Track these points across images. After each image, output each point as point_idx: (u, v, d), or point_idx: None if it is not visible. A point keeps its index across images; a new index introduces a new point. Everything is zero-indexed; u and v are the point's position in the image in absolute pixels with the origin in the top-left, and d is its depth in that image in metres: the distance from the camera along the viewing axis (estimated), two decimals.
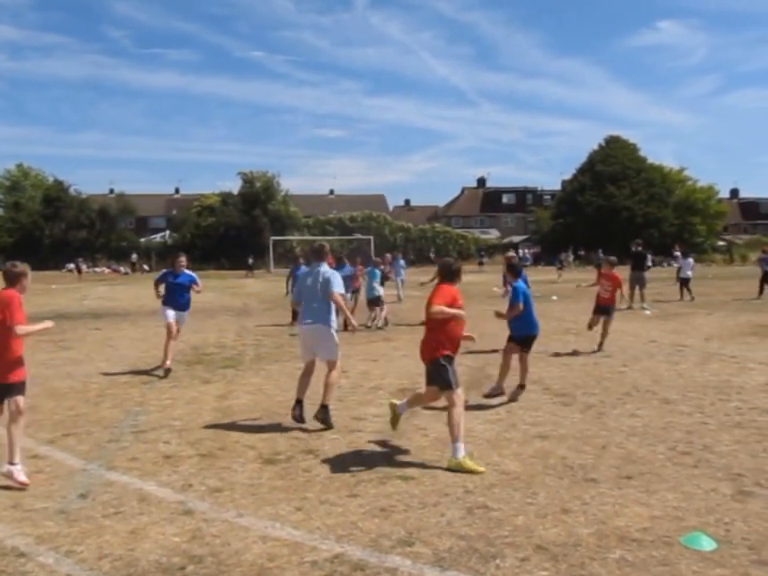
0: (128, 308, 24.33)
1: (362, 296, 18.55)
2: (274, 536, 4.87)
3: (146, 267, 56.54)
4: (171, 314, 11.28)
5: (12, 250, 56.56)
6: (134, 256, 57.45)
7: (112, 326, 18.50)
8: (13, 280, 6.09)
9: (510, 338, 9.32)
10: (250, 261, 49.07)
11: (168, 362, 10.99)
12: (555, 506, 5.40)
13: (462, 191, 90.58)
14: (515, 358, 9.17)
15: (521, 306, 9.09)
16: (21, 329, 5.89)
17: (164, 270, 11.90)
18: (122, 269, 54.53)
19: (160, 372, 11.04)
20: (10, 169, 73.82)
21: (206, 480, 6.04)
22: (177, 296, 11.31)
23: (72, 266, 55.01)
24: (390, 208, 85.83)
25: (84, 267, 53.47)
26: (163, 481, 6.05)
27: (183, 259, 11.53)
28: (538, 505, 5.44)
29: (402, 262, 25.40)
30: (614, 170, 64.67)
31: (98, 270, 56.85)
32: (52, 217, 61.09)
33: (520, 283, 9.37)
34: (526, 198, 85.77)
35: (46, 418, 8.34)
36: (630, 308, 20.43)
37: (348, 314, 8.27)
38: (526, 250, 63.21)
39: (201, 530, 4.97)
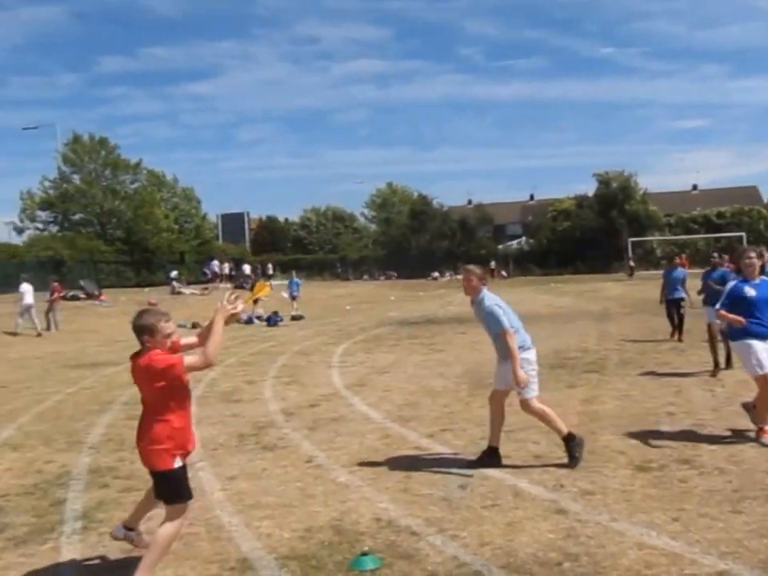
0: None
1: None
2: (650, 544, 4.75)
3: (503, 274, 58.32)
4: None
5: (384, 260, 62.35)
6: (493, 263, 59.59)
7: (476, 330, 19.36)
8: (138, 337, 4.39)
9: None
10: (631, 263, 48.24)
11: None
12: None
13: None
14: None
15: None
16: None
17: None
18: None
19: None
20: (380, 188, 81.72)
21: (576, 482, 6.10)
22: None
23: (436, 274, 58.91)
24: (765, 200, 77.76)
25: (447, 276, 57.02)
26: (535, 479, 6.23)
27: None
28: None
29: None
30: None
31: (458, 277, 60.02)
32: (418, 229, 65.85)
33: None
34: None
35: (424, 414, 9.07)
36: None
37: None
38: None
39: (575, 530, 5.04)
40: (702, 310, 12.14)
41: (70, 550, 5.05)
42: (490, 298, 6.68)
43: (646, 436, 7.48)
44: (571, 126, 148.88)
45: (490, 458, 6.71)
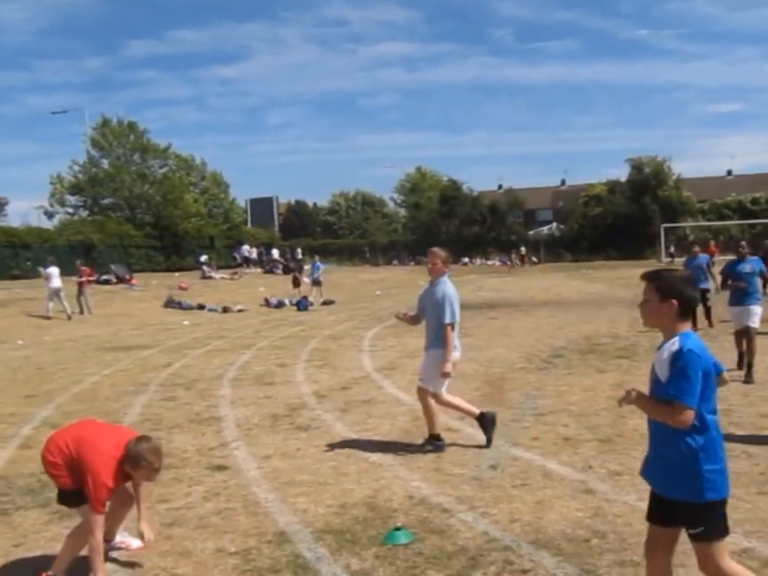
0: (519, 299, 25.35)
1: None
2: None
3: (534, 259, 58.07)
4: None
5: (414, 246, 62.32)
6: (523, 249, 59.28)
7: (506, 316, 19.48)
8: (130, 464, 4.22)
9: None
10: (672, 249, 47.64)
11: None
12: None
13: None
14: None
15: None
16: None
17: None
18: (507, 262, 56.51)
19: None
20: (409, 172, 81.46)
21: (605, 463, 6.19)
22: None
23: (466, 259, 58.80)
24: None
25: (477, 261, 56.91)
26: (564, 460, 6.33)
27: None
28: None
29: None
30: None
31: (489, 262, 59.82)
32: (448, 214, 65.69)
33: None
34: None
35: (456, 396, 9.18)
36: None
37: None
38: None
39: (602, 509, 5.14)
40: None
41: None
42: (450, 286, 6.83)
43: None
44: (604, 110, 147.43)
45: (431, 443, 6.83)
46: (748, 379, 9.35)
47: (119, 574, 4.45)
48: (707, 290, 14.39)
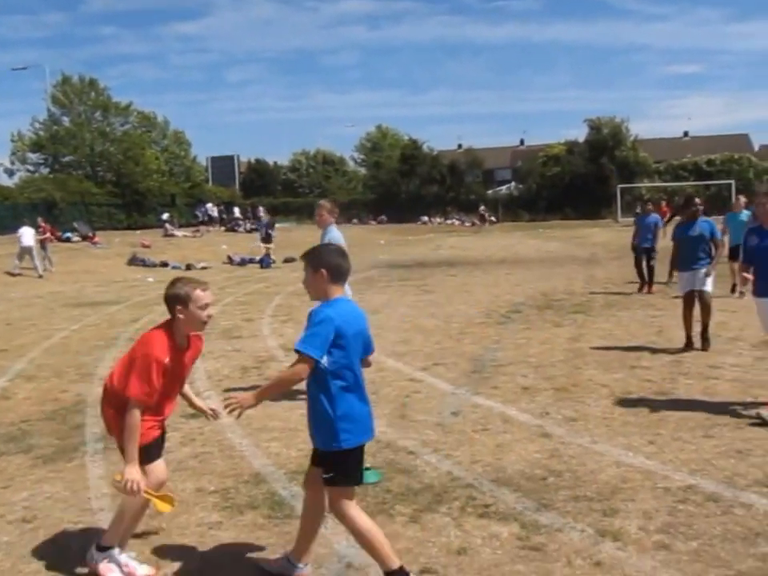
0: (478, 257, 25.75)
1: None
2: (627, 462, 5.23)
3: (493, 218, 58.53)
4: None
5: (374, 205, 62.34)
6: (482, 208, 59.64)
7: (465, 273, 19.85)
8: (169, 307, 3.82)
9: None
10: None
11: None
12: None
13: None
14: None
15: None
16: (131, 413, 3.65)
17: None
18: (466, 223, 56.86)
19: None
20: (370, 131, 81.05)
21: (561, 410, 6.56)
22: None
23: (426, 218, 59.04)
24: (756, 148, 77.80)
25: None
26: (523, 407, 6.69)
27: None
28: None
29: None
30: None
31: (448, 221, 60.10)
32: (407, 173, 65.60)
33: None
34: None
35: (417, 350, 9.51)
36: None
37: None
38: None
39: (558, 451, 5.51)
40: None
41: (96, 467, 5.48)
42: (336, 232, 7.19)
43: (627, 371, 7.96)
44: (564, 70, 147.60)
45: None
46: (705, 345, 8.90)
47: (105, 513, 4.67)
48: (652, 250, 14.57)
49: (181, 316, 3.75)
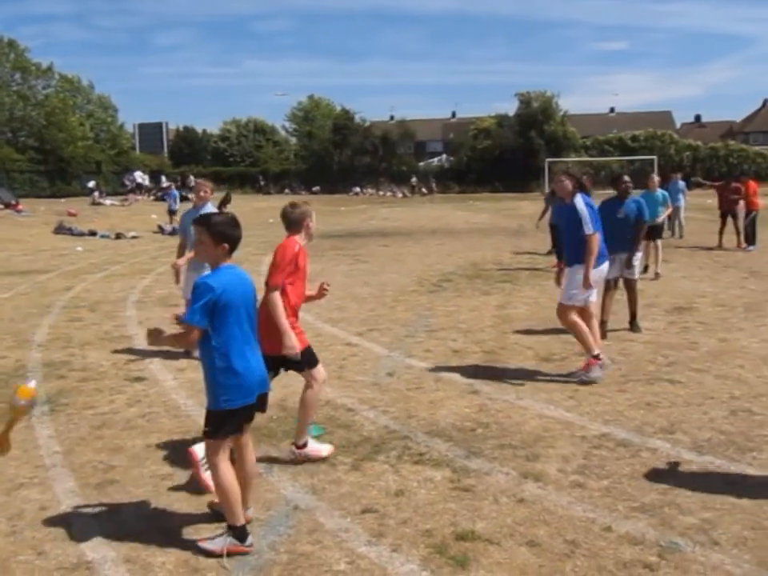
0: (410, 228, 26.15)
1: None
2: (549, 415, 5.71)
3: (424, 190, 59.08)
4: None
5: (306, 176, 62.13)
6: (414, 179, 60.13)
7: (398, 244, 20.21)
8: (292, 226, 4.94)
9: None
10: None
11: None
12: None
13: (764, 104, 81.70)
14: None
15: None
16: (273, 297, 4.65)
17: None
18: (399, 194, 57.27)
19: None
20: (302, 100, 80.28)
21: (488, 370, 7.02)
22: None
23: (357, 189, 59.22)
24: (678, 125, 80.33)
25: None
26: (454, 368, 7.12)
27: None
28: None
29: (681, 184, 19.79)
30: None
31: (381, 193, 60.42)
32: (340, 144, 65.45)
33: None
34: None
35: (353, 317, 9.84)
36: None
37: None
38: None
39: (486, 406, 5.95)
40: None
41: (44, 428, 5.65)
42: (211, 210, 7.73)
43: (550, 335, 8.46)
44: (499, 43, 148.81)
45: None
46: (635, 330, 8.58)
47: (58, 469, 4.88)
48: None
49: (311, 224, 4.94)
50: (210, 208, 7.62)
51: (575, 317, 6.74)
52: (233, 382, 3.69)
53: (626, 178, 8.66)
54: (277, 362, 4.66)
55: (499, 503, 4.22)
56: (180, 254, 7.90)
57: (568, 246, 6.96)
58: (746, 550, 3.69)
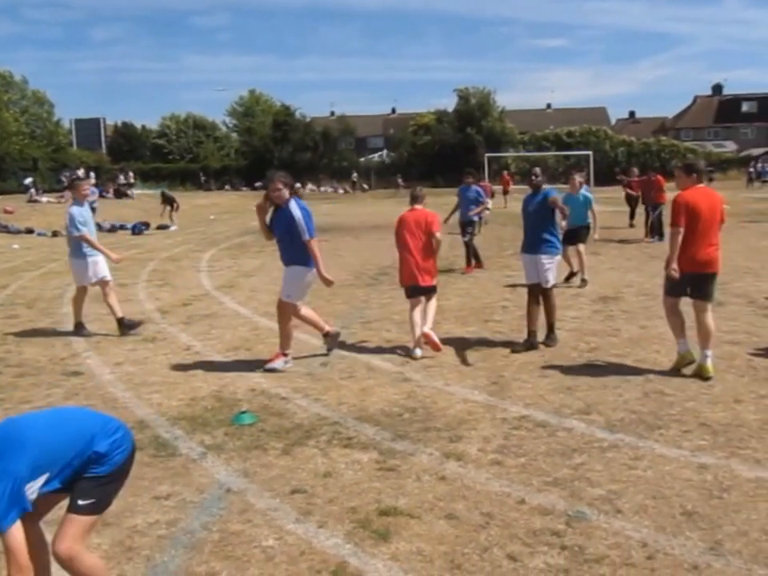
0: (350, 224, 26.40)
1: None
2: (473, 399, 6.00)
3: (365, 186, 59.32)
4: None
5: (246, 172, 61.70)
6: (354, 175, 60.32)
7: (337, 239, 20.41)
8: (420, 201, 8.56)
9: None
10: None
11: None
12: (728, 396, 5.98)
13: (694, 100, 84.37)
14: None
15: None
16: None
17: None
18: (340, 190, 57.43)
19: None
20: (243, 96, 79.63)
21: (419, 359, 7.28)
22: None
23: (298, 185, 59.06)
24: (613, 121, 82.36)
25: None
26: (385, 357, 7.38)
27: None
28: (712, 395, 6.05)
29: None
30: None
31: (322, 189, 60.42)
32: (281, 140, 65.19)
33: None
34: None
35: None
36: None
37: None
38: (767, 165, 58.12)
39: (415, 392, 6.22)
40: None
41: None
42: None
43: (480, 324, 8.80)
44: (436, 40, 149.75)
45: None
46: (550, 343, 7.73)
47: None
48: (470, 224, 13.70)
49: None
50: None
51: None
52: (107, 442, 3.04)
53: (536, 169, 8.02)
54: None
55: (421, 481, 4.48)
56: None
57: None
58: (645, 517, 4.01)
